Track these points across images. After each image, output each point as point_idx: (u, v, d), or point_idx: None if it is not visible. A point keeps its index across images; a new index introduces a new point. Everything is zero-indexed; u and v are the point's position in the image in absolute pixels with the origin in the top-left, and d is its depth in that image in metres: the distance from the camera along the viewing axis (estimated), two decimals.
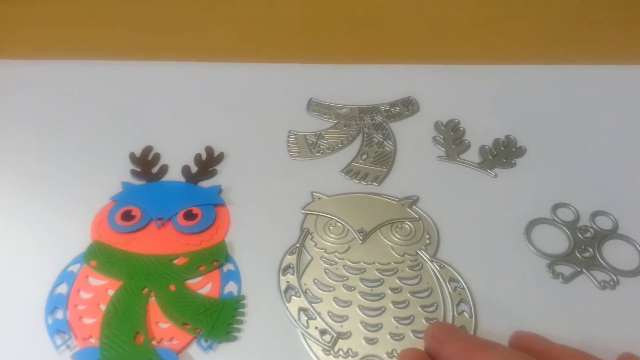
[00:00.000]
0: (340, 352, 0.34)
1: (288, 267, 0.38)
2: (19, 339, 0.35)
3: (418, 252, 0.39)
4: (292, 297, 0.36)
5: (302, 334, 0.35)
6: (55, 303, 0.36)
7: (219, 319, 0.35)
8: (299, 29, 0.62)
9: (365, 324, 0.35)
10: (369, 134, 0.49)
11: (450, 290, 0.36)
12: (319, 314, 0.35)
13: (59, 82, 0.55)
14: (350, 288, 0.37)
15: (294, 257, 0.38)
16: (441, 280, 0.37)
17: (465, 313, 0.35)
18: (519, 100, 0.52)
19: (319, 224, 0.41)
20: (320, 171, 0.45)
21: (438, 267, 0.38)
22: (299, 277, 0.37)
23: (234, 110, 0.51)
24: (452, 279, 0.37)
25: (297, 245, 0.39)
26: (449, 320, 0.35)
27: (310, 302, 0.36)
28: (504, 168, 0.45)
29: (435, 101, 0.52)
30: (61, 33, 0.63)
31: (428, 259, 0.38)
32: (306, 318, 0.35)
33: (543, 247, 0.40)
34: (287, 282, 0.37)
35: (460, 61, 0.56)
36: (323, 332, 0.35)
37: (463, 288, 0.37)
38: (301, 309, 0.36)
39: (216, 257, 0.39)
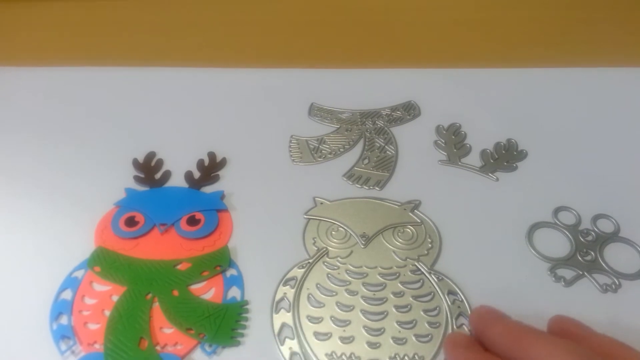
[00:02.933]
0: (344, 357, 0.34)
1: (292, 279, 0.38)
2: (24, 345, 0.35)
3: (416, 263, 0.39)
4: (282, 309, 0.36)
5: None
6: (60, 309, 0.37)
7: (223, 324, 0.35)
8: (300, 33, 0.63)
9: (368, 329, 0.35)
10: (371, 138, 0.49)
11: (449, 303, 0.36)
12: (301, 336, 0.35)
13: (61, 89, 0.55)
14: (352, 292, 0.37)
15: (302, 271, 0.38)
16: (439, 292, 0.37)
17: (464, 326, 0.35)
18: (520, 103, 0.52)
19: (321, 229, 0.41)
20: (322, 176, 0.46)
21: (436, 279, 0.38)
22: (298, 293, 0.37)
23: (236, 115, 0.51)
24: (450, 292, 0.37)
25: (310, 261, 0.39)
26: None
27: (296, 321, 0.36)
28: (505, 172, 0.46)
29: (437, 105, 0.52)
30: (63, 39, 0.63)
31: (426, 270, 0.38)
32: (285, 336, 0.35)
33: (545, 251, 0.40)
34: (284, 293, 0.37)
35: (461, 65, 0.56)
36: (294, 354, 0.34)
37: (462, 301, 0.37)
38: (284, 324, 0.36)
39: (219, 263, 0.39)
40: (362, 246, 0.40)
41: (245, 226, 0.42)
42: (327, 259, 0.39)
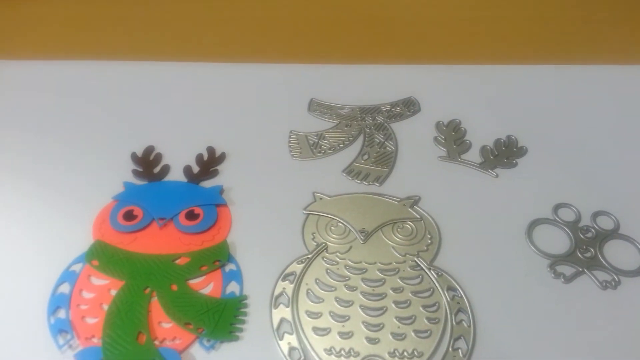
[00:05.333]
0: (342, 352, 0.34)
1: (291, 274, 0.38)
2: (21, 339, 0.35)
3: (415, 259, 0.39)
4: (281, 304, 0.36)
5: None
6: (57, 303, 0.36)
7: (221, 318, 0.35)
8: (300, 29, 0.62)
9: (367, 324, 0.35)
10: (370, 134, 0.49)
11: (449, 299, 0.36)
12: (300, 331, 0.35)
13: (60, 83, 0.55)
14: (351, 288, 0.37)
15: (301, 267, 0.38)
16: (439, 288, 0.37)
17: (464, 322, 0.35)
18: (520, 100, 0.52)
19: (321, 225, 0.41)
20: (321, 171, 0.46)
21: (435, 275, 0.38)
22: (297, 288, 0.37)
23: (235, 110, 0.51)
24: (449, 288, 0.37)
25: (309, 256, 0.39)
26: (448, 329, 0.35)
27: (295, 316, 0.36)
28: (505, 168, 0.45)
29: (437, 101, 0.52)
30: (62, 33, 0.63)
31: (425, 266, 0.38)
32: (283, 331, 0.35)
33: (544, 247, 0.40)
34: (283, 288, 0.37)
35: (461, 61, 0.56)
36: (292, 349, 0.34)
37: (461, 297, 0.37)
38: (283, 319, 0.36)
39: (218, 257, 0.39)
40: (362, 242, 0.40)
41: (244, 221, 0.42)
42: (326, 254, 0.39)
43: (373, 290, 0.37)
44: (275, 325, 0.35)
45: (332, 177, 0.45)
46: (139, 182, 0.45)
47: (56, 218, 0.42)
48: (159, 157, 0.47)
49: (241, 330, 0.35)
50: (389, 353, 0.34)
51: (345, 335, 0.35)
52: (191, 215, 0.41)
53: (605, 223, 0.41)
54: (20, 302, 0.37)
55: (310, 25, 0.63)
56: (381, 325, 0.35)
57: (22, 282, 0.38)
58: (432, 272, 0.38)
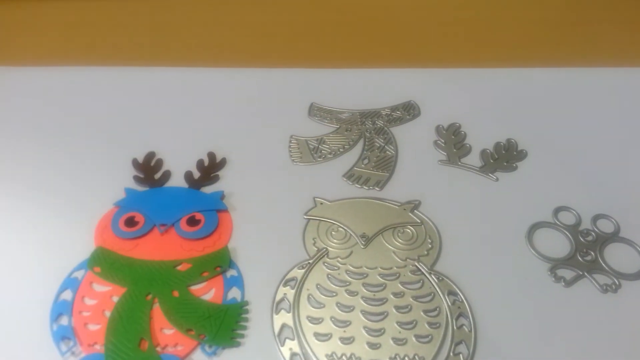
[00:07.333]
0: (344, 357, 0.34)
1: (292, 279, 0.38)
2: (24, 346, 0.35)
3: (416, 264, 0.39)
4: (282, 310, 0.36)
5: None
6: (60, 309, 0.37)
7: (223, 324, 0.35)
8: (300, 34, 0.63)
9: (368, 329, 0.35)
10: (371, 138, 0.49)
11: (449, 304, 0.36)
12: (302, 336, 0.35)
13: (61, 89, 0.55)
14: (352, 293, 0.37)
15: (302, 272, 0.38)
16: (440, 293, 0.37)
17: (464, 327, 0.35)
18: (520, 103, 0.52)
19: (321, 230, 0.41)
20: (322, 176, 0.46)
21: (436, 280, 0.38)
22: (298, 293, 0.37)
23: (236, 115, 0.51)
24: (450, 292, 0.37)
25: (310, 262, 0.39)
26: (449, 334, 0.35)
27: (296, 321, 0.36)
28: (505, 172, 0.46)
29: (436, 105, 0.52)
30: (63, 39, 0.63)
31: (426, 271, 0.38)
32: (285, 336, 0.35)
33: (545, 251, 0.40)
34: (284, 294, 0.37)
35: (461, 65, 0.56)
36: (294, 355, 0.34)
37: (462, 301, 0.37)
38: (284, 325, 0.36)
39: (219, 263, 0.39)
40: (362, 246, 0.40)
41: (245, 226, 0.42)
42: (327, 260, 0.39)
43: (374, 295, 0.37)
44: (276, 330, 0.35)
45: (333, 181, 0.45)
46: (140, 188, 0.45)
47: (58, 225, 0.42)
48: (159, 163, 0.47)
49: (243, 336, 0.35)
50: (390, 358, 0.34)
51: (347, 340, 0.35)
52: (192, 221, 0.41)
53: (606, 226, 0.41)
54: (22, 309, 0.37)
55: (310, 29, 0.63)
56: (382, 331, 0.35)
57: (24, 289, 0.38)
58: (433, 276, 0.38)
